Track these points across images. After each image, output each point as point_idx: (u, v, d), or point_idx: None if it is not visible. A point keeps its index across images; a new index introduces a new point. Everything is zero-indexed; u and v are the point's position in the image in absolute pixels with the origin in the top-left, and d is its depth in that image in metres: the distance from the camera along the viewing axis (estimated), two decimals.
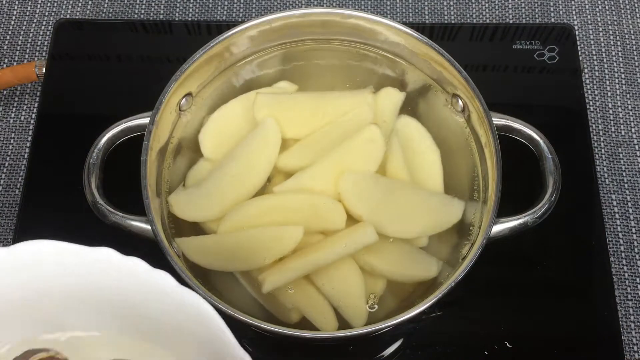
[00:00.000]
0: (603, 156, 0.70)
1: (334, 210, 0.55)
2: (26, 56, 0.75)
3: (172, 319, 0.42)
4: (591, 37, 0.77)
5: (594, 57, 0.76)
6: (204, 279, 0.54)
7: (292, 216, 0.55)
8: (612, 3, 0.78)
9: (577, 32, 0.76)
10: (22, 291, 0.43)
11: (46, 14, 0.78)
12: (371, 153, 0.57)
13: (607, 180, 0.69)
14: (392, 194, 0.56)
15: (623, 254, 0.66)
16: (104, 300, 0.43)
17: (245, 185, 0.57)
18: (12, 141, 0.71)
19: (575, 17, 0.78)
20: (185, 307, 0.41)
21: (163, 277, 0.41)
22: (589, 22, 0.77)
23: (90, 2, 0.78)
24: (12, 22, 0.77)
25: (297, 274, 0.54)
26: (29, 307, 0.43)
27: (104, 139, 0.57)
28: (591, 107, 0.73)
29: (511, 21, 0.77)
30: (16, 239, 0.63)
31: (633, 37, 0.77)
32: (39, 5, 0.78)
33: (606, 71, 0.75)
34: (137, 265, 0.41)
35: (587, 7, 0.78)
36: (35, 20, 0.77)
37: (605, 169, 0.70)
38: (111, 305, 0.43)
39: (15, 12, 0.78)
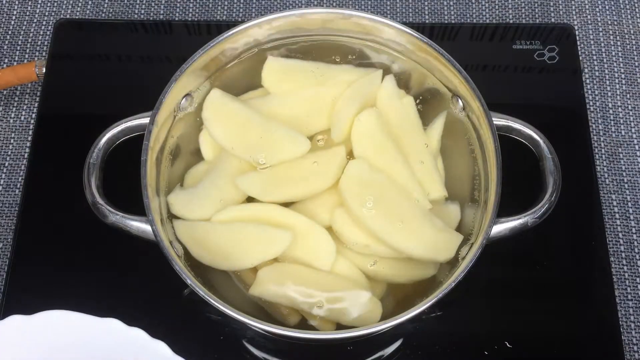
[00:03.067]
0: (603, 156, 0.71)
1: (322, 247, 0.55)
2: (26, 56, 0.75)
3: None
4: (591, 37, 0.77)
5: (594, 57, 0.76)
6: (204, 279, 0.54)
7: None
8: (612, 3, 0.78)
9: (577, 32, 0.76)
10: (41, 350, 0.49)
11: (46, 14, 0.78)
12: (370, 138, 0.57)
13: (607, 180, 0.69)
14: (393, 199, 0.56)
15: (623, 254, 0.66)
16: None
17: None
18: (12, 141, 0.71)
19: (575, 17, 0.78)
20: None
21: (161, 347, 0.48)
22: (589, 22, 0.77)
23: (90, 2, 0.78)
24: (12, 22, 0.77)
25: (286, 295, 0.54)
26: None
27: (104, 139, 0.57)
28: (591, 107, 0.73)
29: (511, 21, 0.77)
30: (16, 239, 0.63)
31: (633, 37, 0.77)
32: (39, 5, 0.78)
33: (606, 71, 0.75)
34: (138, 335, 0.48)
35: (587, 7, 0.78)
36: (35, 20, 0.77)
37: (605, 169, 0.70)
38: None
39: (15, 12, 0.78)
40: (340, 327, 0.54)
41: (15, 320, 0.48)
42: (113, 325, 0.48)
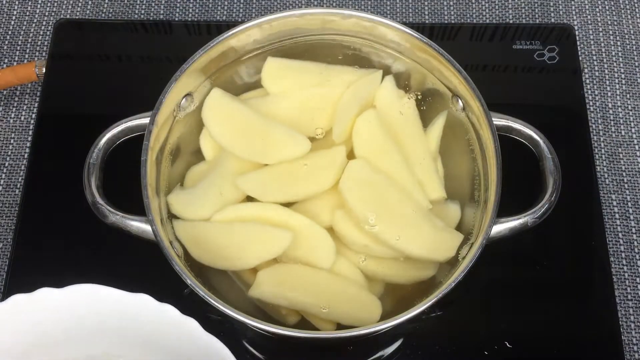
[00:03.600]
0: (603, 156, 0.71)
1: (322, 247, 0.55)
2: (26, 56, 0.75)
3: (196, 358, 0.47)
4: (591, 37, 0.77)
5: (594, 57, 0.76)
6: (204, 279, 0.54)
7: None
8: (612, 3, 0.78)
9: (577, 32, 0.76)
10: (70, 325, 0.49)
11: (46, 14, 0.78)
12: (369, 135, 0.57)
13: (607, 180, 0.69)
14: (394, 201, 0.56)
15: (623, 254, 0.66)
16: (138, 337, 0.49)
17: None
18: (12, 141, 0.71)
19: (575, 17, 0.78)
20: (209, 351, 0.46)
21: (193, 324, 0.47)
22: (589, 22, 0.77)
23: (90, 2, 0.78)
24: (12, 22, 0.77)
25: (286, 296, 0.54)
26: (76, 339, 0.49)
27: (104, 139, 0.57)
28: (591, 107, 0.73)
29: (511, 21, 0.77)
30: (16, 239, 0.63)
31: (633, 37, 0.77)
32: (39, 5, 0.78)
33: (606, 71, 0.75)
34: (169, 311, 0.47)
35: (587, 7, 0.78)
36: (35, 20, 0.77)
37: (605, 169, 0.70)
38: (142, 342, 0.49)
39: (15, 12, 0.78)
40: (340, 327, 0.54)
41: (44, 293, 0.47)
42: (144, 301, 0.47)
